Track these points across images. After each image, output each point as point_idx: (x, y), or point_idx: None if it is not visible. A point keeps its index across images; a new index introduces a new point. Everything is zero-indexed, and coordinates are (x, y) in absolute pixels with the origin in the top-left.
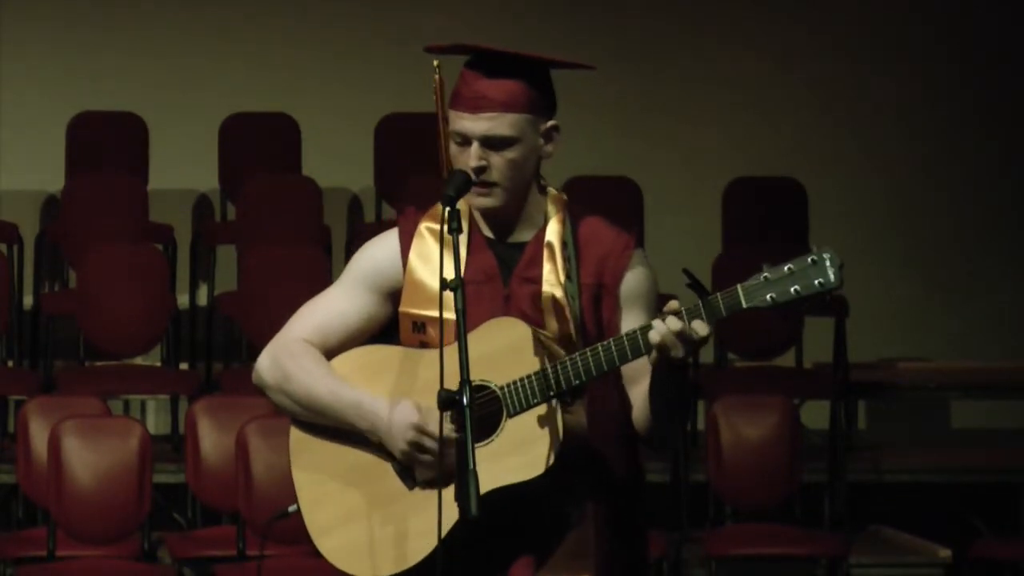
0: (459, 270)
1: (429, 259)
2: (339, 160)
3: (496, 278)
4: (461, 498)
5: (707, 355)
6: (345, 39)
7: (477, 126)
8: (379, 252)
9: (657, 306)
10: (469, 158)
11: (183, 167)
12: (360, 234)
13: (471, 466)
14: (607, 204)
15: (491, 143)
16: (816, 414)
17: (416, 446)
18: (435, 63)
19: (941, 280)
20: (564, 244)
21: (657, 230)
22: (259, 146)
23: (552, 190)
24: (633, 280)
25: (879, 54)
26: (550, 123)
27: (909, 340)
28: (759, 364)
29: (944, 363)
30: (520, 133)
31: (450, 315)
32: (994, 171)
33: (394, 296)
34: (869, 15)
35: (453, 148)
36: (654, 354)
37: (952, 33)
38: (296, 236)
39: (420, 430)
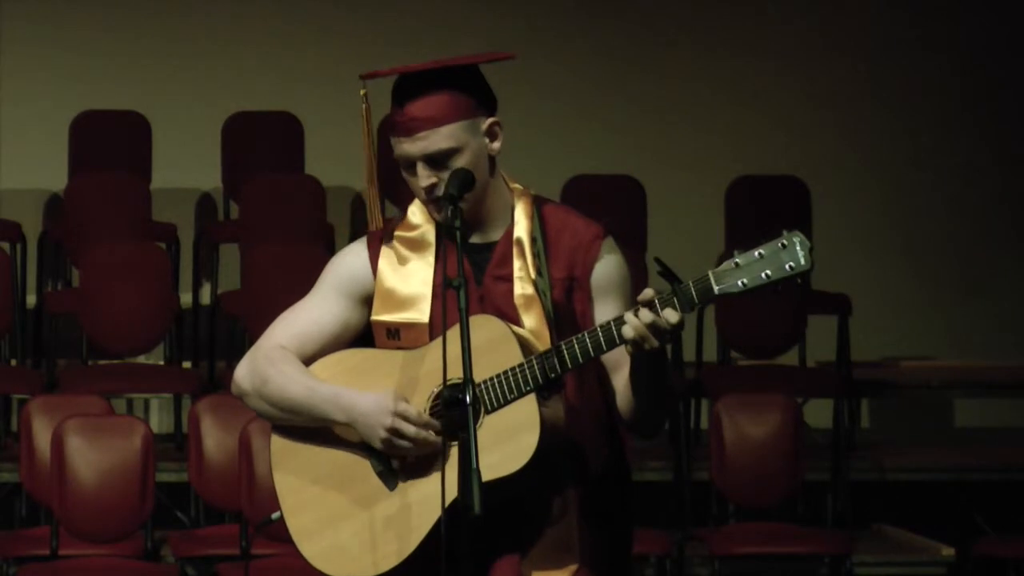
0: (461, 269)
1: (399, 266)
2: (342, 159)
3: (468, 278)
4: (465, 496)
5: (710, 353)
6: (348, 38)
7: (415, 147)
8: (351, 260)
9: (631, 292)
10: (419, 180)
11: (186, 166)
12: (363, 233)
13: (474, 464)
14: (609, 203)
15: (433, 160)
16: (819, 413)
17: (395, 432)
18: (362, 92)
19: (944, 279)
20: (533, 240)
21: (660, 229)
22: (262, 145)
23: (517, 186)
24: (604, 270)
25: (879, 54)
26: (490, 120)
27: (912, 339)
28: (762, 363)
29: (947, 362)
30: (459, 142)
31: (424, 318)
32: (996, 171)
33: (368, 303)
34: (869, 15)
35: (404, 174)
36: (630, 345)
37: (951, 33)
38: (299, 235)
39: (401, 415)
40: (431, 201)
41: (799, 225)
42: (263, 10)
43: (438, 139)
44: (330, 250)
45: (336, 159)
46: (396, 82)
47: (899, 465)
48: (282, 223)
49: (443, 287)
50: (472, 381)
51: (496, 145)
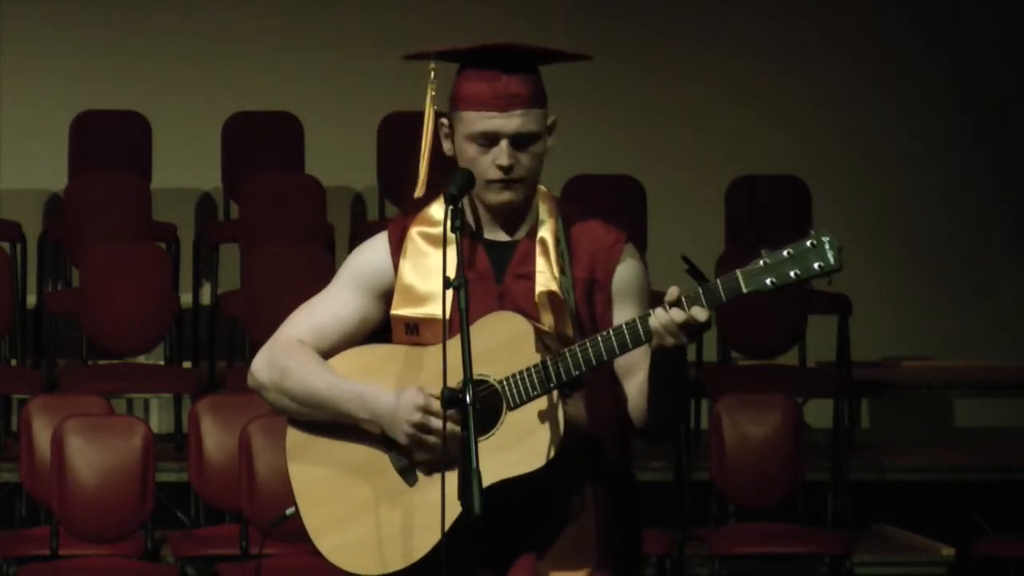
0: (462, 268)
1: (419, 262)
2: (342, 159)
3: (489, 276)
4: (465, 497)
5: (710, 353)
6: (348, 38)
7: (510, 124)
8: (370, 255)
9: (649, 299)
10: (497, 157)
11: (186, 166)
12: (363, 233)
13: (474, 465)
14: (610, 203)
15: (520, 140)
16: (819, 412)
17: (422, 428)
18: (431, 66)
19: (944, 279)
20: (557, 240)
21: (660, 228)
22: (262, 145)
23: (541, 187)
24: (624, 274)
25: (879, 54)
26: (551, 117)
27: (912, 339)
28: (762, 362)
29: (947, 362)
30: (542, 128)
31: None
32: (996, 170)
33: (387, 298)
34: (869, 16)
35: (471, 149)
36: (655, 341)
37: (951, 33)
38: (299, 235)
39: (426, 410)
40: (505, 182)
41: (799, 225)
42: (263, 10)
43: (530, 120)
44: (330, 250)
45: (336, 159)
46: (481, 54)
47: (899, 465)
48: (282, 223)
49: (443, 287)
50: (471, 381)
51: (551, 142)
